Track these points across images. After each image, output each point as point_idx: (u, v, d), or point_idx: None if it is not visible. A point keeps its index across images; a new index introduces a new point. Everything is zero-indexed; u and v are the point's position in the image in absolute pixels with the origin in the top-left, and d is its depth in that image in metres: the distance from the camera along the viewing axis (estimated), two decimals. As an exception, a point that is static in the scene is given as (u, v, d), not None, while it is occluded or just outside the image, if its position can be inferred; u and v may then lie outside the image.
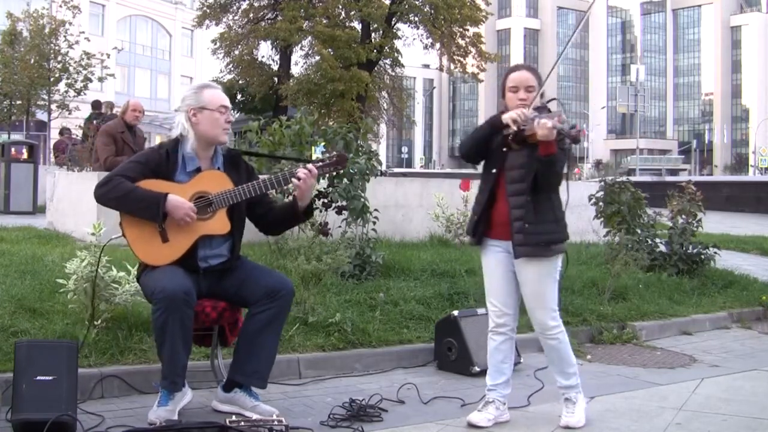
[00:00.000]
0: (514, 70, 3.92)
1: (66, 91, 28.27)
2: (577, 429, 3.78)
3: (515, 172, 3.76)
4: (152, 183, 3.70)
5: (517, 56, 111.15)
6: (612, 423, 3.92)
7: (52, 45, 27.78)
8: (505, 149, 3.78)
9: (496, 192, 3.84)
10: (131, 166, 3.76)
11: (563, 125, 3.58)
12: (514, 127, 3.67)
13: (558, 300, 3.92)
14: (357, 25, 29.60)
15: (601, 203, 7.78)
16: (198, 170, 3.81)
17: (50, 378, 3.43)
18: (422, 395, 4.34)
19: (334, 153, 3.95)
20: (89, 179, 7.99)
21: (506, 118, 3.70)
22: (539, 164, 3.67)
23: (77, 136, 16.85)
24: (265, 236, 4.75)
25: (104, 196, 3.68)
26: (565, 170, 3.80)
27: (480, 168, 4.00)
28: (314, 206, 6.12)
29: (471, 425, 3.82)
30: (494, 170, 3.82)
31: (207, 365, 4.25)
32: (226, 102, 3.89)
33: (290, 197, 4.37)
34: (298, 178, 3.78)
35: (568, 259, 4.06)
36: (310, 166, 3.82)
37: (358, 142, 7.13)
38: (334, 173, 6.00)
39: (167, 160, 3.78)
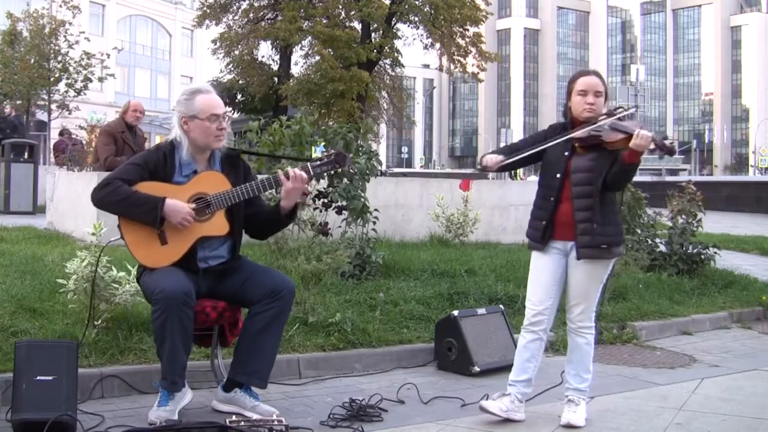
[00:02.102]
0: (582, 74, 3.95)
1: (66, 91, 28.27)
2: (577, 428, 3.78)
3: (582, 175, 3.78)
4: (151, 185, 3.69)
5: (517, 56, 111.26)
6: (612, 423, 3.92)
7: (52, 45, 27.78)
8: (567, 153, 3.82)
9: (561, 195, 3.85)
10: (129, 168, 3.74)
11: (653, 134, 3.65)
12: (487, 165, 3.87)
13: (599, 302, 3.99)
14: (357, 25, 29.60)
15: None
16: (195, 173, 3.80)
17: (50, 378, 3.43)
18: (422, 395, 4.33)
19: (333, 151, 3.89)
20: (89, 179, 8.00)
21: (485, 160, 3.90)
22: (620, 170, 3.72)
23: (77, 136, 16.87)
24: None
25: (102, 200, 3.66)
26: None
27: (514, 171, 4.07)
28: (314, 206, 6.16)
29: (482, 409, 3.86)
30: (558, 175, 3.83)
31: (207, 365, 4.25)
32: (218, 109, 3.77)
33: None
34: (287, 176, 3.75)
35: (617, 263, 4.12)
36: (299, 171, 3.76)
37: (358, 142, 7.12)
38: (333, 172, 6.00)
39: (165, 162, 3.76)
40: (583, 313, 3.92)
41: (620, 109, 3.91)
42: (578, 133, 3.80)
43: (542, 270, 3.92)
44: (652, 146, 3.62)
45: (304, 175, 3.77)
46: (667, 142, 3.67)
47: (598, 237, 3.77)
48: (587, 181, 3.77)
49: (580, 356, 3.95)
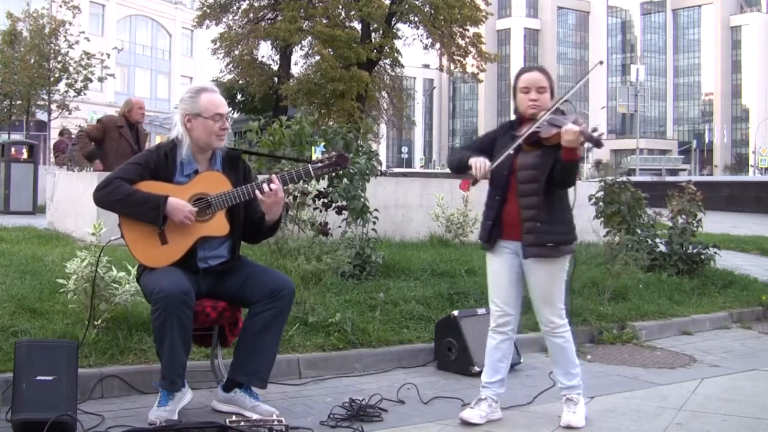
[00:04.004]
0: (525, 71, 3.93)
1: (66, 91, 28.30)
2: (577, 429, 3.78)
3: (527, 173, 3.76)
4: (151, 185, 3.69)
5: (517, 56, 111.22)
6: (612, 423, 3.92)
7: (52, 45, 27.82)
8: (513, 152, 3.78)
9: (507, 193, 3.83)
10: (130, 168, 3.74)
11: (582, 127, 3.58)
12: (477, 173, 3.67)
13: (566, 299, 3.94)
14: (357, 25, 29.61)
15: (601, 203, 7.78)
16: (196, 172, 3.80)
17: (50, 378, 3.43)
18: (422, 395, 4.33)
19: (334, 153, 3.88)
20: (89, 179, 8.00)
21: (473, 162, 3.71)
22: (561, 168, 3.67)
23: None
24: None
25: (103, 199, 3.66)
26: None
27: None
28: (314, 206, 6.16)
29: (463, 422, 3.84)
30: (505, 173, 3.81)
31: (207, 365, 4.25)
32: (223, 109, 3.80)
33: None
34: (262, 192, 3.72)
35: (576, 259, 4.07)
36: (273, 185, 3.73)
37: (358, 142, 7.12)
38: (334, 174, 6.00)
39: (166, 162, 3.76)
40: (552, 314, 3.87)
41: (566, 103, 3.89)
42: (524, 135, 3.74)
43: (498, 272, 3.92)
44: (581, 139, 3.55)
45: (278, 183, 3.72)
46: (595, 134, 3.60)
47: (544, 236, 3.73)
48: (532, 179, 3.74)
49: (563, 355, 3.92)
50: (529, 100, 3.81)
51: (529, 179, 3.75)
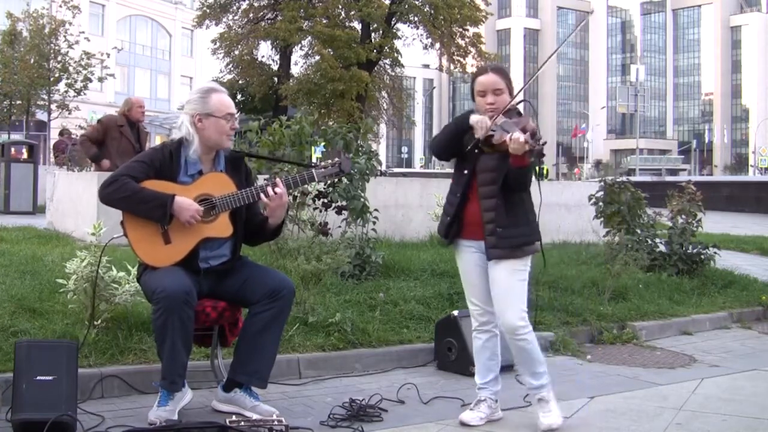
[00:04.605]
0: (481, 73, 3.86)
1: (66, 91, 28.32)
2: (558, 428, 3.71)
3: (487, 175, 3.73)
4: (156, 184, 3.68)
5: (517, 56, 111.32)
6: (612, 423, 3.91)
7: (52, 45, 27.84)
8: (477, 150, 3.75)
9: (468, 193, 3.81)
10: (135, 165, 3.74)
11: (527, 134, 3.51)
12: (479, 132, 3.63)
13: (528, 301, 3.87)
14: (357, 25, 29.65)
15: (601, 203, 7.79)
16: (200, 173, 3.80)
17: (50, 378, 3.42)
18: (422, 395, 4.33)
19: (338, 160, 3.88)
20: (89, 179, 8.01)
21: (473, 120, 3.68)
22: (512, 174, 3.64)
23: (77, 136, 16.93)
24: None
25: (109, 196, 3.65)
26: (551, 169, 3.77)
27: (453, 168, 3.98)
28: (314, 206, 6.16)
29: (463, 424, 3.82)
30: (466, 171, 3.79)
31: (207, 365, 4.25)
32: (233, 108, 3.85)
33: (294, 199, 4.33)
34: (267, 195, 3.74)
35: (545, 260, 4.04)
36: (278, 189, 3.74)
37: (358, 142, 7.12)
38: (336, 180, 6.02)
39: (171, 161, 3.76)
40: (513, 316, 3.74)
41: (524, 102, 3.84)
42: (480, 137, 3.67)
43: (469, 271, 3.91)
44: (526, 147, 3.49)
45: (281, 188, 3.74)
46: (536, 147, 3.52)
47: (504, 239, 3.70)
48: (491, 181, 3.71)
49: (527, 356, 3.80)
50: (486, 103, 3.75)
51: (488, 181, 3.73)
